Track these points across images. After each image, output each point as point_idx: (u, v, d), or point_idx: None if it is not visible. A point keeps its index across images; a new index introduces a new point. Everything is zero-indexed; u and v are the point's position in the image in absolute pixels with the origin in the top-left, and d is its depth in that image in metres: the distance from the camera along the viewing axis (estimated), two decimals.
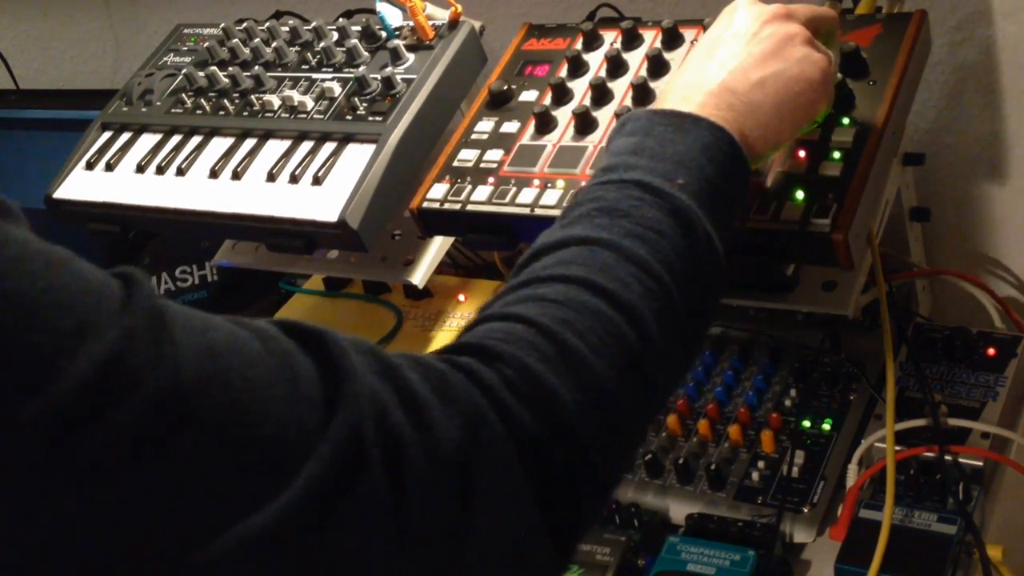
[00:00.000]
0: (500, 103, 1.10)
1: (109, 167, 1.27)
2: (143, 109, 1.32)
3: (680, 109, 0.78)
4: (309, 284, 1.52)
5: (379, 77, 1.17)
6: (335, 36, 1.27)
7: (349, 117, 1.17)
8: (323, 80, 1.22)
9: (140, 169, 1.25)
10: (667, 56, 1.04)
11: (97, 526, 0.48)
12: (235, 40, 1.32)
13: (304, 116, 1.20)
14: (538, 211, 0.99)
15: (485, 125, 1.08)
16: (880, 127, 0.90)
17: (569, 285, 0.68)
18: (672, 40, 1.05)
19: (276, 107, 1.22)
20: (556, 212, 0.91)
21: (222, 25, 1.35)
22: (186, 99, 1.30)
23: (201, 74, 1.29)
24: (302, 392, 0.53)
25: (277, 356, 0.54)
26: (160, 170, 1.23)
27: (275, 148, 1.19)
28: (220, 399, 0.50)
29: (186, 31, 1.41)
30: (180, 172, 1.22)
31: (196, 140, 1.25)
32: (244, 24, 1.34)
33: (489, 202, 1.02)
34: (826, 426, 1.08)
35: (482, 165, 1.05)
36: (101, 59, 1.95)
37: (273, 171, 1.16)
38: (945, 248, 1.31)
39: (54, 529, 0.47)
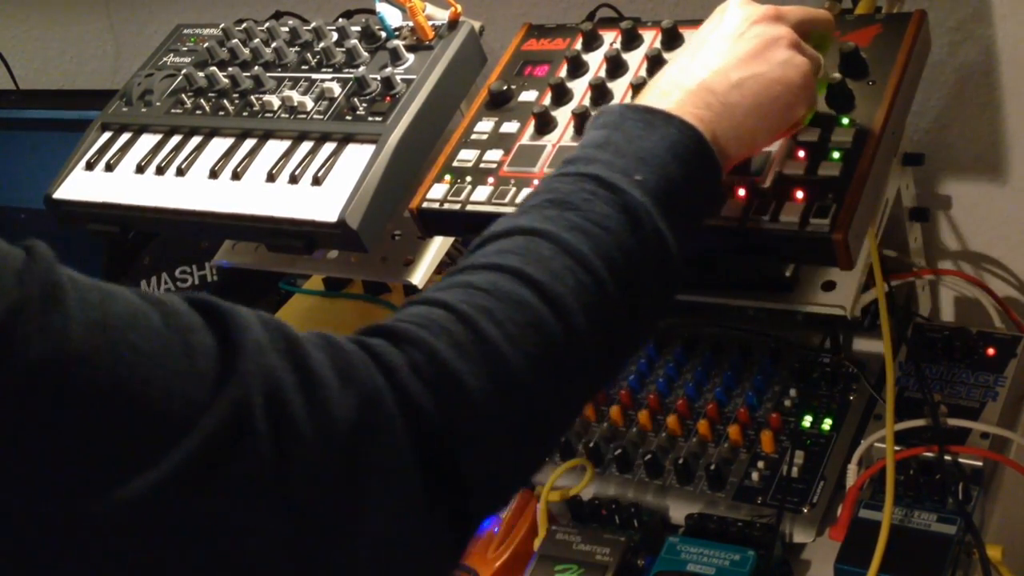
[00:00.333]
0: (500, 103, 1.10)
1: (109, 167, 1.27)
2: (143, 109, 1.32)
3: (654, 105, 0.79)
4: (309, 284, 1.52)
5: (379, 77, 1.17)
6: (335, 36, 1.27)
7: (349, 117, 1.17)
8: (323, 80, 1.22)
9: (140, 169, 1.25)
10: (667, 56, 1.04)
11: None
12: (235, 40, 1.32)
13: (304, 116, 1.20)
14: None
15: (485, 125, 1.08)
16: (880, 127, 0.90)
17: (499, 274, 0.69)
18: (672, 40, 1.05)
19: (276, 107, 1.22)
20: None
21: (222, 25, 1.35)
22: (186, 99, 1.30)
23: (201, 74, 1.29)
24: (196, 366, 0.55)
25: (175, 330, 0.55)
26: (160, 170, 1.23)
27: (275, 148, 1.19)
28: (105, 370, 0.52)
29: (186, 31, 1.41)
30: (180, 172, 1.22)
31: (196, 140, 1.25)
32: (244, 24, 1.34)
33: (489, 202, 1.02)
34: (826, 426, 1.08)
35: (482, 165, 1.05)
36: (101, 59, 1.95)
37: (273, 171, 1.16)
38: (945, 248, 1.31)
39: None
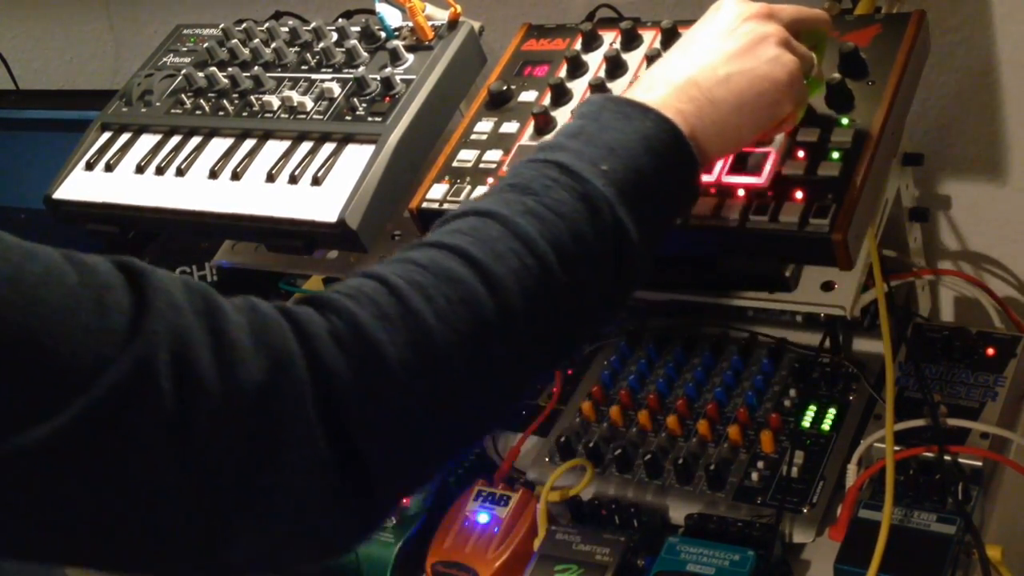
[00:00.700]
0: (499, 103, 1.10)
1: (109, 167, 1.27)
2: (143, 110, 1.32)
3: (635, 98, 0.79)
4: (309, 284, 1.52)
5: (378, 77, 1.17)
6: (334, 36, 1.27)
7: (348, 117, 1.17)
8: (322, 80, 1.22)
9: (140, 170, 1.25)
10: None
11: None
12: (234, 41, 1.32)
13: (303, 116, 1.20)
14: None
15: (484, 125, 1.08)
16: (879, 127, 0.90)
17: (441, 251, 0.70)
18: (671, 40, 1.05)
19: (275, 107, 1.22)
20: None
21: (221, 26, 1.35)
22: (185, 100, 1.30)
23: (200, 75, 1.29)
24: (107, 323, 0.57)
25: (90, 288, 0.57)
26: (160, 170, 1.23)
27: (274, 148, 1.19)
28: (13, 323, 0.54)
29: (186, 32, 1.41)
30: (180, 172, 1.22)
31: (196, 140, 1.25)
32: (243, 25, 1.34)
33: None
34: (825, 426, 1.08)
35: (481, 165, 1.05)
36: (101, 59, 1.95)
37: (272, 171, 1.16)
38: (945, 248, 1.31)
39: None
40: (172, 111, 1.29)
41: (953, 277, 1.26)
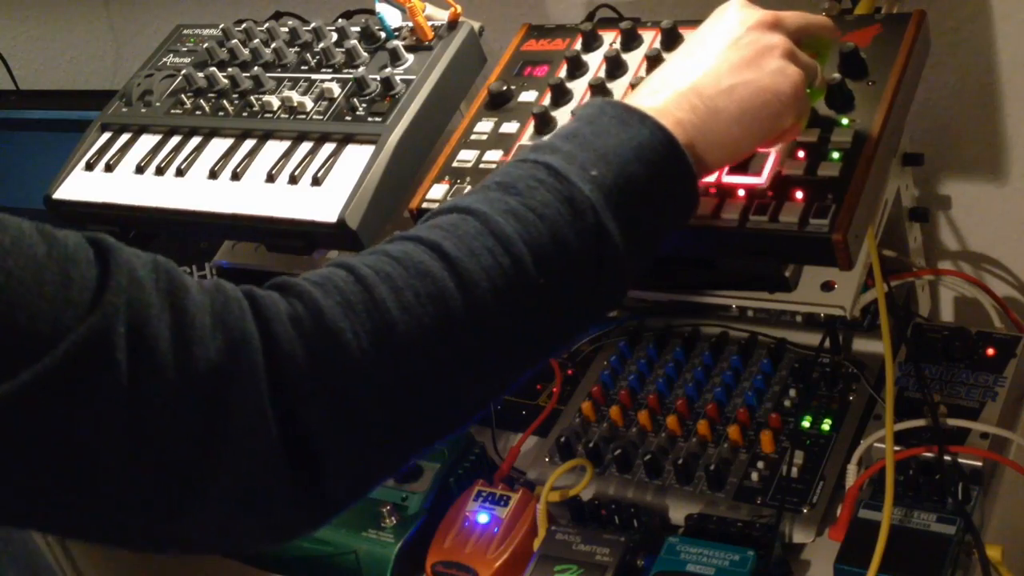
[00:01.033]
0: (499, 104, 1.10)
1: (109, 168, 1.28)
2: (143, 110, 1.32)
3: (636, 103, 0.79)
4: None
5: (378, 78, 1.17)
6: (334, 37, 1.27)
7: (348, 118, 1.17)
8: (322, 81, 1.22)
9: (140, 170, 1.25)
10: (666, 57, 1.03)
11: None
12: (234, 41, 1.32)
13: (303, 117, 1.20)
14: None
15: (484, 125, 1.08)
16: (879, 127, 0.90)
17: (416, 245, 0.70)
18: (671, 41, 1.05)
19: (275, 108, 1.22)
20: None
21: (221, 26, 1.35)
22: (185, 100, 1.30)
23: (200, 75, 1.29)
24: (70, 295, 0.58)
25: (56, 261, 0.59)
26: (160, 171, 1.23)
27: (274, 149, 1.19)
28: None
29: (185, 32, 1.41)
30: (180, 173, 1.22)
31: (195, 141, 1.25)
32: (243, 25, 1.34)
33: None
34: (825, 426, 1.08)
35: (481, 166, 1.05)
36: (101, 59, 1.95)
37: (272, 172, 1.16)
38: (945, 248, 1.31)
39: None
40: (172, 111, 1.29)
41: (953, 277, 1.26)
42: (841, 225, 0.86)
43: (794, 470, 1.04)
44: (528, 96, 1.09)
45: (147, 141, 1.28)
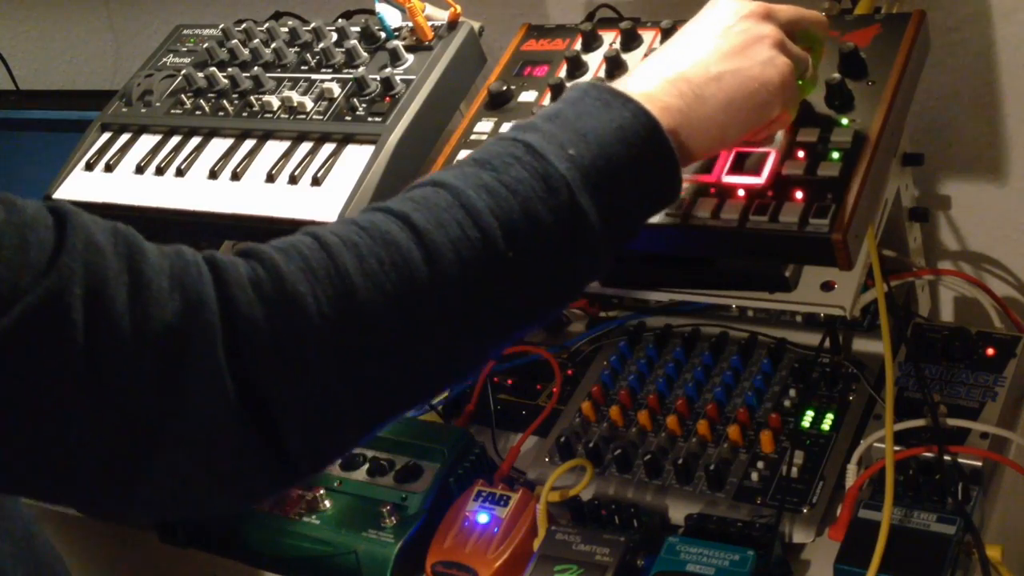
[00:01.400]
0: (499, 104, 1.10)
1: (109, 168, 1.28)
2: (143, 110, 1.32)
3: (624, 88, 0.79)
4: None
5: (378, 78, 1.17)
6: (334, 37, 1.27)
7: (348, 118, 1.17)
8: (322, 81, 1.22)
9: (139, 170, 1.25)
10: None
11: None
12: (234, 41, 1.32)
13: (303, 117, 1.20)
14: None
15: (484, 125, 1.08)
16: (879, 127, 0.90)
17: (385, 215, 0.71)
18: None
19: (275, 108, 1.22)
20: None
21: (221, 26, 1.35)
22: (185, 100, 1.30)
23: (200, 75, 1.29)
24: (27, 259, 0.60)
25: (14, 226, 0.61)
26: (160, 171, 1.24)
27: (274, 149, 1.19)
28: None
29: (185, 32, 1.41)
30: (180, 173, 1.22)
31: (195, 141, 1.25)
32: (243, 25, 1.34)
33: None
34: (825, 426, 1.08)
35: None
36: (101, 59, 1.95)
37: (272, 172, 1.16)
38: (945, 248, 1.31)
39: None
40: (172, 111, 1.29)
41: (953, 277, 1.26)
42: (841, 225, 0.86)
43: (794, 470, 1.04)
44: (528, 96, 1.09)
45: (147, 141, 1.28)
